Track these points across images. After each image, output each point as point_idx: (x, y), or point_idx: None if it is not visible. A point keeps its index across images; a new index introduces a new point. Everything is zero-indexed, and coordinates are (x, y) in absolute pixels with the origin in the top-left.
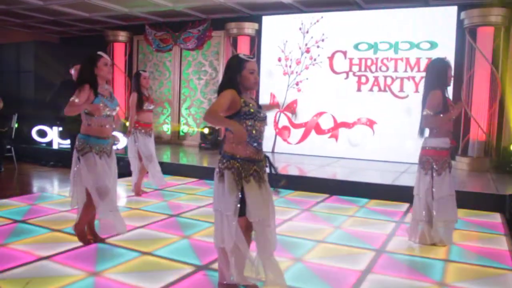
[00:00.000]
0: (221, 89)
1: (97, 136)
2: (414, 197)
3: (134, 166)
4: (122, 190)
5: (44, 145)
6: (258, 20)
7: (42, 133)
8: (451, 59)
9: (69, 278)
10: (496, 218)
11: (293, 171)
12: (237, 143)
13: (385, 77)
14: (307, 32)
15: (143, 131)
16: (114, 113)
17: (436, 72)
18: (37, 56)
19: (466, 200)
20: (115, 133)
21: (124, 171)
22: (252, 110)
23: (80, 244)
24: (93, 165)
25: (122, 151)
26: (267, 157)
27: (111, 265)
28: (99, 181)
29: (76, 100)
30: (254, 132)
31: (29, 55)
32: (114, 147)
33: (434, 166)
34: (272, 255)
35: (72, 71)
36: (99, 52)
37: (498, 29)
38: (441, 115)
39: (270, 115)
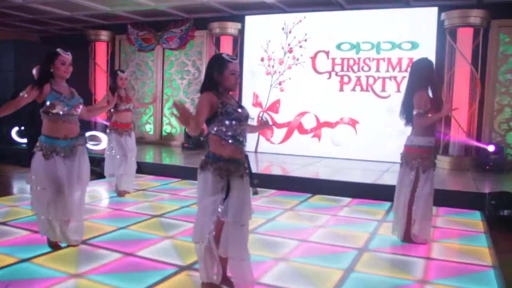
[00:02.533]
0: (202, 88)
1: (53, 136)
2: (396, 193)
3: (109, 167)
4: (103, 191)
5: (24, 145)
6: (241, 20)
7: (22, 134)
8: (432, 59)
9: (50, 280)
10: (476, 216)
11: (276, 171)
12: (219, 144)
13: (367, 77)
14: (290, 32)
15: (119, 131)
16: (75, 113)
17: (420, 72)
18: (17, 55)
19: (447, 198)
20: (98, 133)
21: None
22: (229, 110)
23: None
24: (39, 166)
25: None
26: (246, 156)
27: (93, 266)
28: (45, 183)
29: (25, 96)
30: (234, 131)
31: (9, 54)
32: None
33: (420, 165)
34: (244, 258)
35: (34, 71)
36: (58, 50)
37: (477, 30)
38: (429, 115)
39: (254, 115)
